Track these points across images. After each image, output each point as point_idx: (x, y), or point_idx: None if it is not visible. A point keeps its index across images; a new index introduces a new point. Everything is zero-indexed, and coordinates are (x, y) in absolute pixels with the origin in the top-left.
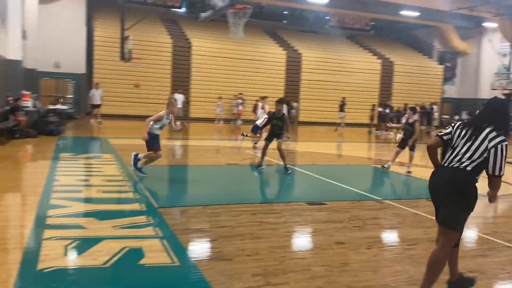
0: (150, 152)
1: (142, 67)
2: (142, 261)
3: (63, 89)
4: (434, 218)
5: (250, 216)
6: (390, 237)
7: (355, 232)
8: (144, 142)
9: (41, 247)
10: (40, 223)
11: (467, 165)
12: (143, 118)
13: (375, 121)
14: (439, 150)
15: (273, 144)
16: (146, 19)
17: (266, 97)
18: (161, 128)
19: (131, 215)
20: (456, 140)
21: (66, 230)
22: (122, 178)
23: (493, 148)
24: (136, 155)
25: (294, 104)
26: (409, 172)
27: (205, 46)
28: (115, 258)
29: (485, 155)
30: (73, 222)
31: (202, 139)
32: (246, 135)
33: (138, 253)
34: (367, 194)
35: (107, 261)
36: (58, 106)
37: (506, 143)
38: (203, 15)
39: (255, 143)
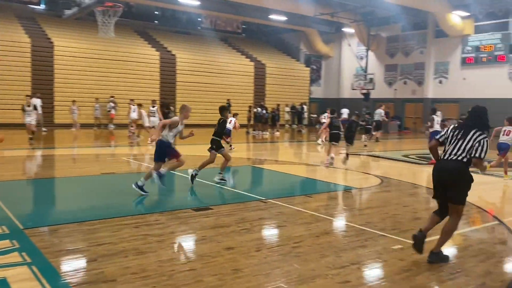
0: (172, 160)
1: None
2: None
3: None
4: (432, 197)
5: (133, 229)
6: (277, 237)
7: (243, 236)
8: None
9: None
10: None
11: (463, 158)
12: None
13: (252, 122)
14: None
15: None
16: None
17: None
18: (174, 135)
19: None
20: (451, 140)
21: None
22: None
23: (478, 143)
24: (159, 174)
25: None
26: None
27: (70, 46)
28: None
29: (474, 149)
30: None
31: (69, 147)
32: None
33: (2, 285)
34: (251, 195)
35: None
36: None
37: (487, 138)
38: (68, 12)
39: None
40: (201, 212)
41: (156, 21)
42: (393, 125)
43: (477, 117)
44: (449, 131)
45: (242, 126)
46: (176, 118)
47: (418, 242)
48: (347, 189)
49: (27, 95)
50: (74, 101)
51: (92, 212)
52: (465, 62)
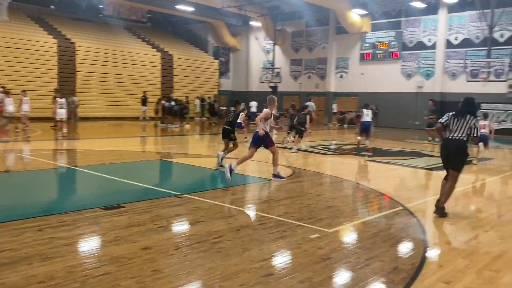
0: (271, 147)
1: None
2: None
3: None
4: (444, 170)
5: (37, 233)
6: (196, 233)
7: (161, 234)
8: None
9: None
10: None
11: (463, 137)
12: None
13: (160, 114)
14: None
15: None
16: None
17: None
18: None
19: None
20: (452, 124)
21: None
22: None
23: (474, 125)
24: (231, 169)
25: (74, 98)
26: None
27: None
28: None
29: (470, 130)
30: None
31: None
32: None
33: None
34: (166, 190)
35: None
36: None
37: (476, 120)
38: None
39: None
40: (112, 211)
41: (52, 6)
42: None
43: (468, 105)
44: (450, 117)
45: (151, 118)
46: (268, 110)
47: (440, 211)
48: (262, 181)
49: None
50: None
51: None
52: (363, 58)
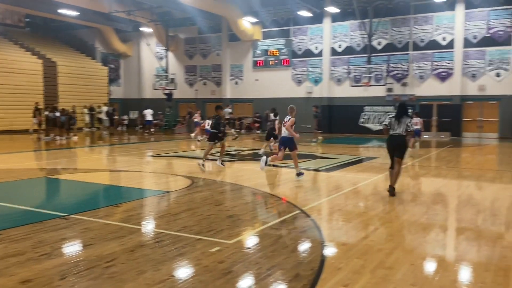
0: (295, 151)
1: None
2: None
3: None
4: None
5: None
6: (86, 258)
7: (43, 263)
8: None
9: None
10: None
11: (403, 133)
12: None
13: (44, 126)
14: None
15: None
16: None
17: None
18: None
19: None
20: (393, 124)
21: None
22: None
23: (409, 122)
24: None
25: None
26: None
27: None
28: None
29: (406, 126)
30: None
31: None
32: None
33: None
34: (50, 212)
35: None
36: None
37: (410, 119)
38: None
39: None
40: None
41: None
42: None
43: (402, 108)
44: (391, 119)
45: (35, 131)
46: (293, 118)
47: (392, 191)
48: (158, 194)
49: None
50: None
51: None
52: (256, 65)
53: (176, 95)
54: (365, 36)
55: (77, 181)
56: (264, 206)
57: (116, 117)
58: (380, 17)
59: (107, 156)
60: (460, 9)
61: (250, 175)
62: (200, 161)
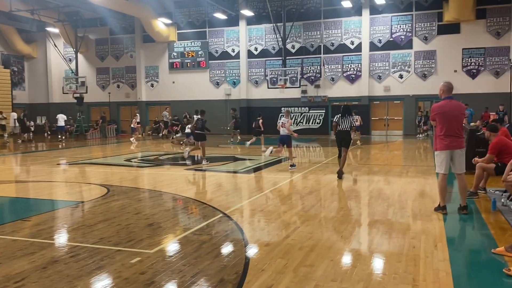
0: (290, 147)
1: None
2: None
3: None
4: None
5: None
6: None
7: None
8: None
9: None
10: None
11: (348, 128)
12: None
13: None
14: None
15: None
16: None
17: None
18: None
19: None
20: (340, 122)
21: None
22: None
23: (353, 120)
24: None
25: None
26: None
27: None
28: None
29: (350, 123)
30: None
31: None
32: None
33: None
34: None
35: None
36: None
37: (356, 117)
38: None
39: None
40: None
41: None
42: (111, 129)
43: (346, 109)
44: (339, 117)
45: None
46: (290, 120)
47: (340, 174)
48: (72, 205)
49: None
50: None
51: None
52: (172, 66)
53: (88, 98)
54: (280, 39)
55: None
56: (186, 212)
57: (17, 125)
58: (293, 21)
59: (13, 166)
60: (366, 15)
61: (170, 180)
62: (203, 161)
